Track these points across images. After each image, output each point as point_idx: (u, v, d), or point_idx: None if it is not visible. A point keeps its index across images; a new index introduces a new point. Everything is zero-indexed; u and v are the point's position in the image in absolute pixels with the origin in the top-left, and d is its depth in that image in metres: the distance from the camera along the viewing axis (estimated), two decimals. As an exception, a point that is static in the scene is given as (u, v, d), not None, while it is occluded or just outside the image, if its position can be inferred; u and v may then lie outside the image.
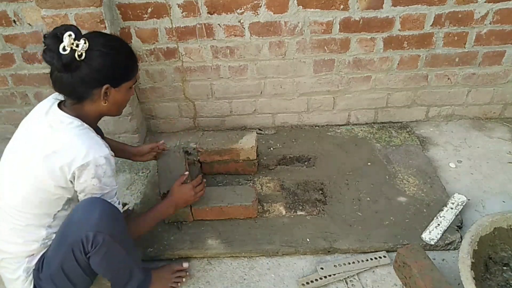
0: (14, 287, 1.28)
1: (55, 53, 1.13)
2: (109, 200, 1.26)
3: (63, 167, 1.16)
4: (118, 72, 1.25)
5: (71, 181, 1.19)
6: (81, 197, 1.24)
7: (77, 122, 1.22)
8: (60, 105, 1.27)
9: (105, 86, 1.22)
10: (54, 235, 1.27)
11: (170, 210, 1.53)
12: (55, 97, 1.30)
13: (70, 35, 1.12)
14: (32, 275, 1.26)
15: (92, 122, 1.29)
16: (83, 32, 1.20)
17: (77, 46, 1.13)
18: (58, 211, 1.25)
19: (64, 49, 1.12)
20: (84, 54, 1.15)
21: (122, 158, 1.77)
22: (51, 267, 1.23)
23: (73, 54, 1.13)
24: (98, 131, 1.48)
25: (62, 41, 1.12)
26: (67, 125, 1.21)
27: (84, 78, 1.18)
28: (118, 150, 1.64)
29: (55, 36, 1.13)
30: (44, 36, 1.15)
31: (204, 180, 1.65)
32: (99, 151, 1.19)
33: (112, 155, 1.24)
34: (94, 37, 1.20)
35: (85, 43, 1.15)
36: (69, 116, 1.22)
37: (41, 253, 1.27)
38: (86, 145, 1.18)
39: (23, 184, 1.20)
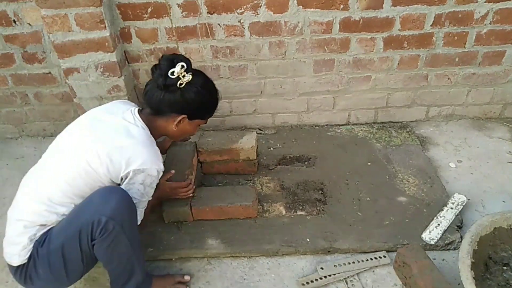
0: (11, 250, 1.26)
1: (163, 72, 1.31)
2: (140, 208, 1.36)
3: (121, 163, 1.27)
4: (200, 111, 1.43)
5: (121, 178, 1.30)
6: None
7: (148, 132, 1.37)
8: (139, 111, 1.41)
9: (182, 115, 1.39)
10: None
11: (156, 204, 1.60)
12: (130, 103, 1.47)
13: (182, 66, 1.31)
14: (32, 245, 1.25)
15: (155, 135, 1.43)
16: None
17: (183, 76, 1.32)
18: None
19: (172, 74, 1.30)
20: (184, 85, 1.33)
21: None
22: (53, 243, 1.23)
23: (177, 81, 1.32)
24: None
25: (174, 67, 1.30)
26: (141, 129, 1.35)
27: (172, 102, 1.35)
28: None
29: (171, 61, 1.32)
30: (162, 56, 1.35)
31: (193, 187, 1.68)
32: (156, 164, 1.33)
33: (162, 171, 1.37)
34: (198, 75, 1.39)
35: (190, 77, 1.32)
36: (144, 124, 1.37)
37: (51, 227, 1.27)
38: (149, 154, 1.31)
39: (78, 163, 1.26)
